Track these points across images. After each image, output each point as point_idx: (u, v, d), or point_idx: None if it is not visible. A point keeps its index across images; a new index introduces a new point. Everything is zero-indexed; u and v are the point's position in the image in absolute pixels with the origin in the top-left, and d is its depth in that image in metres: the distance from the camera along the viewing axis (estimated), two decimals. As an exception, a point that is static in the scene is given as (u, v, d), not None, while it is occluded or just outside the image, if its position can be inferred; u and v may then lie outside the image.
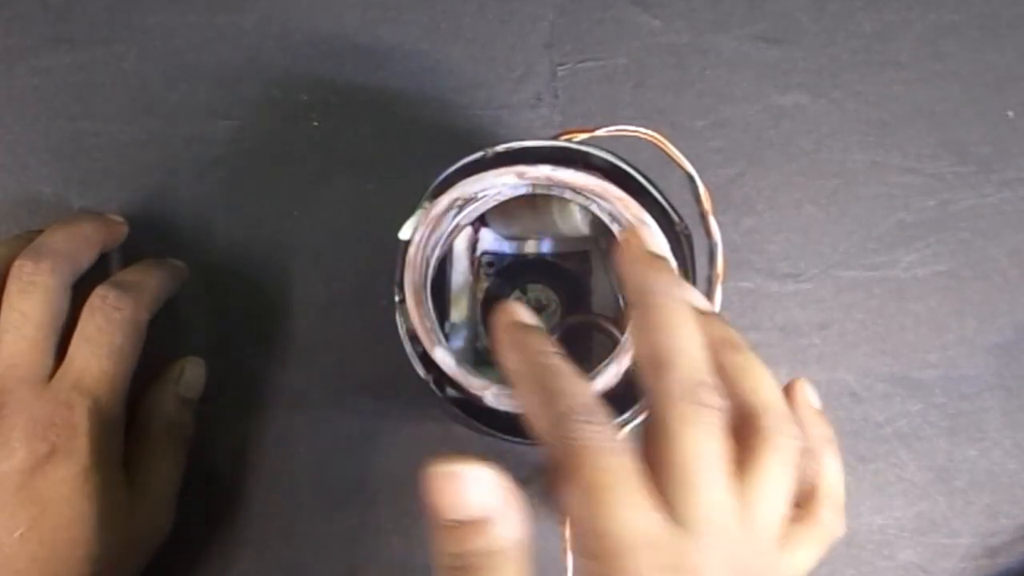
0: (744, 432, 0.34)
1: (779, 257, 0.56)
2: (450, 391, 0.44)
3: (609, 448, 0.31)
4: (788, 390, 0.40)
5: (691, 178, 0.55)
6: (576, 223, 0.48)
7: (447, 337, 0.45)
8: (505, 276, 0.52)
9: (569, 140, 0.46)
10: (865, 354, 0.56)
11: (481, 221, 0.51)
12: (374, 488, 0.54)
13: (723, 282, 0.55)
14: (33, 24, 0.57)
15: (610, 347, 0.45)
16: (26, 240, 0.47)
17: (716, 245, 0.55)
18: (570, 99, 0.57)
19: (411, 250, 0.44)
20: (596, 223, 0.47)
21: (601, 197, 0.44)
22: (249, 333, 0.55)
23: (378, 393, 0.55)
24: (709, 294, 0.54)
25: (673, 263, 0.43)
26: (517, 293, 0.52)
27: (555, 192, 0.46)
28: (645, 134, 0.55)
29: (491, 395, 0.43)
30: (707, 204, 0.55)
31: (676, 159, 0.55)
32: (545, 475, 0.35)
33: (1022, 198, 0.57)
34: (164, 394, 0.50)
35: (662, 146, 0.55)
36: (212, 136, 0.56)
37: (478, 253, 0.52)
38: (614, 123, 0.54)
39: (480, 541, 0.32)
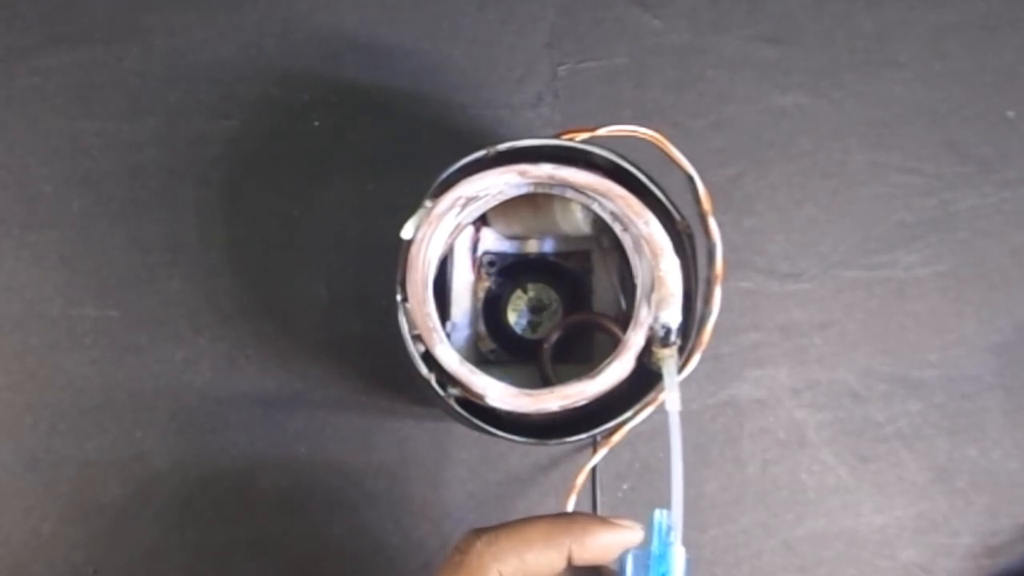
0: None
1: (779, 257, 0.57)
2: (452, 390, 0.44)
3: None
4: None
5: (691, 178, 0.55)
6: (578, 222, 0.48)
7: (448, 336, 0.45)
8: (506, 275, 0.52)
9: (571, 139, 0.46)
10: (865, 354, 0.56)
11: (482, 220, 0.51)
12: (374, 488, 0.54)
13: (723, 282, 0.55)
14: (33, 24, 0.57)
15: (611, 346, 0.45)
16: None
17: (716, 245, 0.55)
18: (571, 99, 0.57)
19: (413, 249, 0.44)
20: (598, 222, 0.47)
21: (604, 195, 0.44)
22: (249, 333, 0.55)
23: (379, 392, 0.55)
24: (708, 294, 0.54)
25: (676, 261, 0.43)
26: (518, 292, 0.52)
27: (557, 191, 0.46)
28: (645, 134, 0.55)
29: (493, 394, 0.43)
30: (707, 204, 0.55)
31: (676, 159, 0.55)
32: None
33: (1022, 198, 0.57)
34: None
35: (662, 146, 0.55)
36: (212, 136, 0.56)
37: (479, 252, 0.52)
38: (614, 123, 0.54)
39: None
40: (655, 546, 0.38)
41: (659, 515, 0.39)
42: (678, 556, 0.38)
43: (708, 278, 0.55)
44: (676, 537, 0.38)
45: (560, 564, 0.38)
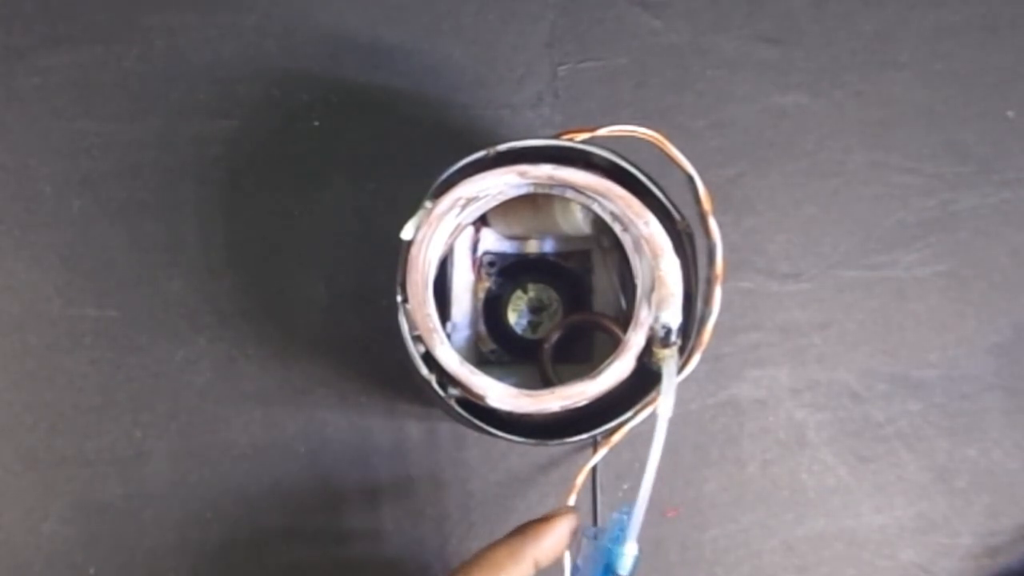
0: None
1: (779, 257, 0.57)
2: (452, 391, 0.44)
3: None
4: None
5: (691, 178, 0.55)
6: (578, 222, 0.48)
7: (449, 337, 0.45)
8: (507, 275, 0.52)
9: (571, 140, 0.46)
10: (865, 354, 0.56)
11: (482, 221, 0.51)
12: (374, 488, 0.54)
13: (723, 282, 0.55)
14: (33, 24, 0.57)
15: (611, 346, 0.45)
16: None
17: (716, 245, 0.55)
18: (571, 99, 0.57)
19: (413, 250, 0.44)
20: (598, 222, 0.47)
21: (604, 196, 0.44)
22: (249, 333, 0.55)
23: (379, 393, 0.55)
24: (708, 294, 0.54)
25: (676, 261, 0.43)
26: (519, 292, 0.52)
27: (557, 191, 0.46)
28: (645, 134, 0.55)
29: (493, 395, 0.43)
30: (707, 204, 0.55)
31: (676, 159, 0.55)
32: None
33: (1022, 198, 0.57)
34: None
35: (662, 146, 0.55)
36: (212, 136, 0.56)
37: (480, 253, 0.52)
38: (615, 123, 0.54)
39: None
40: (608, 541, 0.41)
41: (616, 516, 0.42)
42: (628, 553, 0.41)
43: (708, 278, 0.55)
44: (632, 534, 0.41)
45: (530, 575, 0.41)
